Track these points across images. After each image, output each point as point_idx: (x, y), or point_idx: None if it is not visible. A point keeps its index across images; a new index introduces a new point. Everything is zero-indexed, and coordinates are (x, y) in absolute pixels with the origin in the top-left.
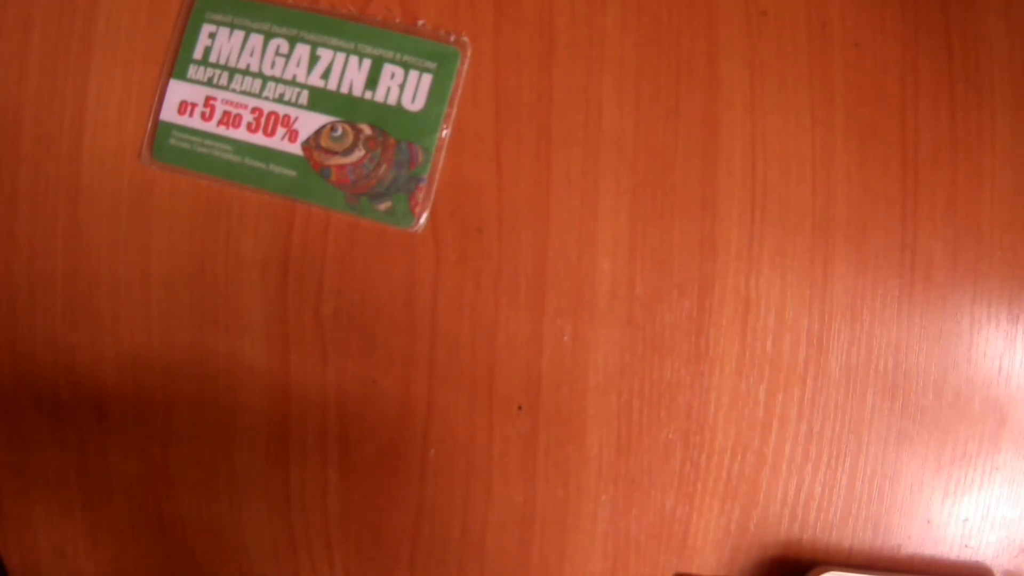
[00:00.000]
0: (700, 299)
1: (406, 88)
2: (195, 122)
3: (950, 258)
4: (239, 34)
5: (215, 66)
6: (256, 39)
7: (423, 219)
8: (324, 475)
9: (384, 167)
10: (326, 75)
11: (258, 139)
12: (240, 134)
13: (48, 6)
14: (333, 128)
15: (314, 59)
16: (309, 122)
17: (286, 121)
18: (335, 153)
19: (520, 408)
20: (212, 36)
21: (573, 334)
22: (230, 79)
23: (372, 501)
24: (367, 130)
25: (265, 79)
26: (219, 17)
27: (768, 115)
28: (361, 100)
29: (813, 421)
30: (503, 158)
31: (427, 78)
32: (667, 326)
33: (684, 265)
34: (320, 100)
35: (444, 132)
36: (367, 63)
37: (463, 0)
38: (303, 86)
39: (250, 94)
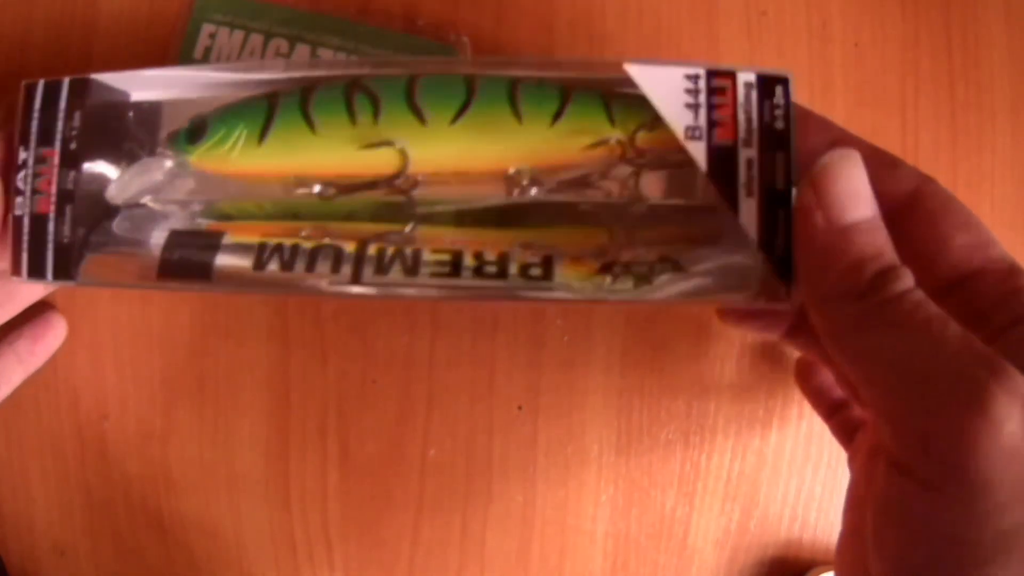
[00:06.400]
0: None
1: None
2: None
3: None
4: (239, 34)
5: None
6: (256, 39)
7: None
8: (324, 475)
9: None
10: None
11: None
12: None
13: (48, 6)
14: None
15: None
16: None
17: None
18: None
19: (520, 408)
20: (212, 36)
21: (573, 333)
22: None
23: (372, 501)
24: None
25: None
26: (219, 17)
27: None
28: None
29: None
30: None
31: None
32: (668, 325)
33: None
34: None
35: None
36: None
37: (463, 0)
38: None
39: None
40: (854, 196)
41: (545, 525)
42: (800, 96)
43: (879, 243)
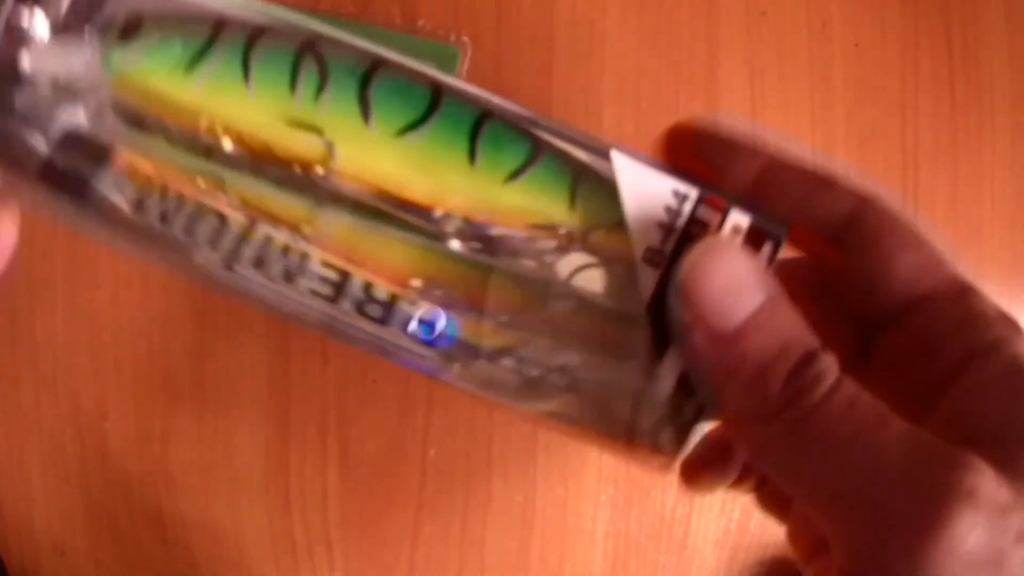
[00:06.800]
0: None
1: None
2: None
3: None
4: None
5: None
6: None
7: None
8: (324, 475)
9: None
10: None
11: None
12: None
13: None
14: None
15: None
16: None
17: None
18: None
19: None
20: None
21: None
22: None
23: (372, 501)
24: None
25: None
26: None
27: (768, 115)
28: None
29: None
30: None
31: None
32: None
33: None
34: None
35: None
36: None
37: (463, 0)
38: None
39: None
40: (733, 290)
41: (545, 525)
42: (800, 95)
43: (781, 334)
